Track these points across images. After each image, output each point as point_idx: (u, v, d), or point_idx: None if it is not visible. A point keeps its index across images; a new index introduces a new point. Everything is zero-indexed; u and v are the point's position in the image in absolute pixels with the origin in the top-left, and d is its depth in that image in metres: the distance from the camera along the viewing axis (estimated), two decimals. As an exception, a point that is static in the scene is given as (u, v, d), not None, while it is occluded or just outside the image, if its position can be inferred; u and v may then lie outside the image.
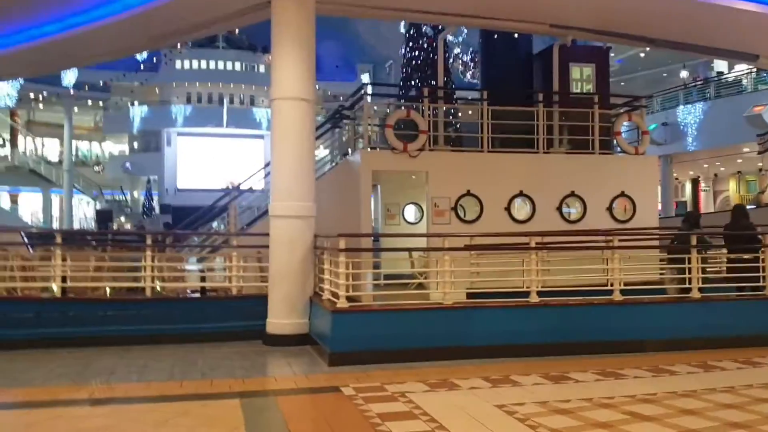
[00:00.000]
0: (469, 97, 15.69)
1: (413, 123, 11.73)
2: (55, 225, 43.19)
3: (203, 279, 10.89)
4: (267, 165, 16.15)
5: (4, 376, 7.69)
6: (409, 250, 11.04)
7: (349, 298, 8.55)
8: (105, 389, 7.02)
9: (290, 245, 9.87)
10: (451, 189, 11.75)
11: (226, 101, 47.01)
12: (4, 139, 46.70)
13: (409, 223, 14.83)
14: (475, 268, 9.88)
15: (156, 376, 7.67)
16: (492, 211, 11.80)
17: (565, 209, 11.99)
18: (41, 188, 44.84)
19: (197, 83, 47.31)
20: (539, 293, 8.97)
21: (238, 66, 48.17)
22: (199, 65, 47.73)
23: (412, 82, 19.16)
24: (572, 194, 11.99)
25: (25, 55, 13.74)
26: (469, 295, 9.34)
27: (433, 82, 17.58)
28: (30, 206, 45.57)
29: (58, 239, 10.03)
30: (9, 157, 44.38)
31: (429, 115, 12.05)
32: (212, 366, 8.32)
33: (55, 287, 9.84)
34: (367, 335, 8.33)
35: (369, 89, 12.50)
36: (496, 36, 13.52)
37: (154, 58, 46.55)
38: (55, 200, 45.29)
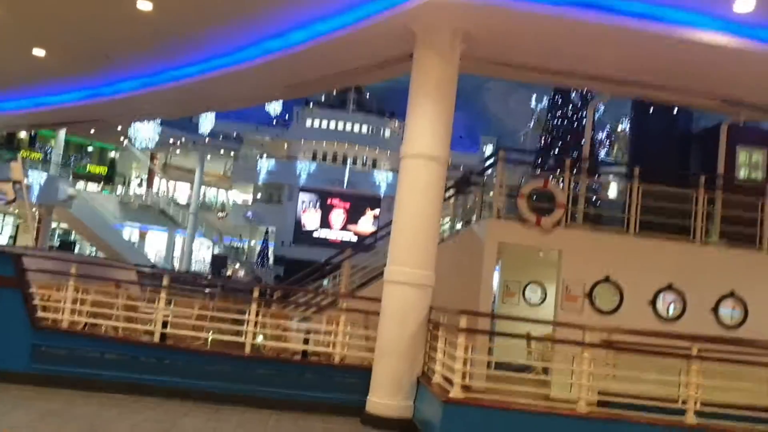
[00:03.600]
0: (614, 173, 14.40)
1: (550, 195, 10.68)
2: (176, 265, 44.77)
3: (306, 341, 10.10)
4: (385, 225, 15.51)
5: (89, 425, 7.11)
6: (548, 340, 9.70)
7: (464, 387, 7.42)
8: (184, 457, 6.25)
9: (403, 315, 8.90)
10: (587, 272, 10.50)
11: (349, 162, 47.65)
12: (141, 179, 49.65)
13: (529, 304, 13.54)
14: (611, 370, 8.48)
15: (241, 449, 6.82)
16: (633, 302, 10.39)
17: (722, 310, 10.32)
18: (168, 228, 46.95)
19: (324, 142, 48.37)
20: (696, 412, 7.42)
21: (365, 129, 48.89)
22: (328, 125, 48.87)
23: (551, 152, 18.13)
24: (731, 294, 10.33)
25: (167, 94, 14.04)
26: (601, 403, 7.91)
27: (575, 153, 16.48)
28: (155, 244, 47.69)
29: (165, 281, 9.61)
30: (143, 196, 47.01)
31: (569, 188, 10.95)
32: (304, 444, 7.40)
33: (156, 332, 9.35)
34: (483, 435, 7.13)
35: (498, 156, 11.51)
36: (651, 109, 12.27)
37: (287, 115, 48.39)
38: (179, 241, 47.13)
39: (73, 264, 9.51)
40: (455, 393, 7.28)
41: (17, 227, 45.25)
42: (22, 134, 43.01)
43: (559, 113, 19.34)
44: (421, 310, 8.91)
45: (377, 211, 45.40)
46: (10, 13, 10.59)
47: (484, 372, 8.75)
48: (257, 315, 9.58)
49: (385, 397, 8.69)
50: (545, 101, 38.24)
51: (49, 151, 41.94)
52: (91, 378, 8.73)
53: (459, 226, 13.33)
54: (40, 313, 9.01)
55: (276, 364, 9.54)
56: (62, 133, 41.25)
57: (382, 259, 12.64)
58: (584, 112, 17.87)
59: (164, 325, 9.42)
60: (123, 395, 8.56)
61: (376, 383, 8.87)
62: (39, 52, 12.32)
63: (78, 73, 13.77)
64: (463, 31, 9.13)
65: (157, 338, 9.34)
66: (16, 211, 40.09)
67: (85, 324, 9.80)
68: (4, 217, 42.63)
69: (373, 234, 14.89)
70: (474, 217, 12.34)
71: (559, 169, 11.34)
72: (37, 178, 36.46)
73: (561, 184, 11.23)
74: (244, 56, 11.68)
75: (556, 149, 18.44)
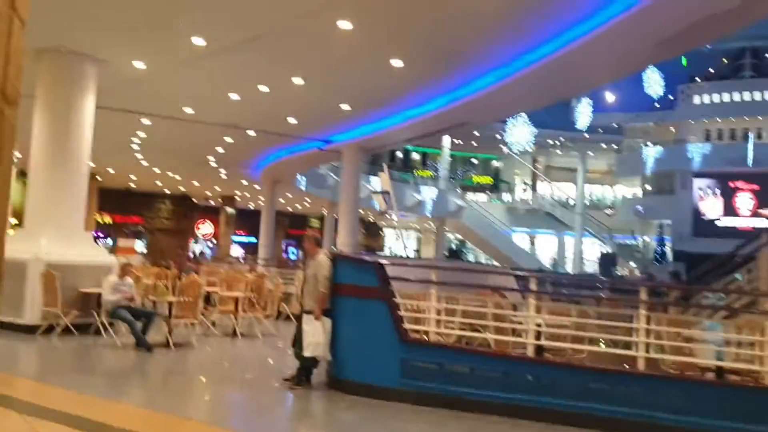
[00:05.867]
0: None
1: None
2: (568, 268, 43.82)
3: (719, 356, 7.79)
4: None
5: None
6: None
7: None
8: None
9: None
10: None
11: (751, 136, 40.60)
12: (526, 184, 50.18)
13: None
14: None
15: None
16: None
17: None
18: (555, 231, 46.35)
19: (718, 119, 42.16)
20: None
21: (767, 95, 41.13)
22: (721, 98, 42.39)
23: None
24: None
25: (526, 82, 13.02)
26: None
27: None
28: (546, 247, 47.54)
29: (533, 285, 8.38)
30: (529, 201, 47.40)
31: None
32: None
33: (528, 344, 8.16)
34: None
35: None
36: None
37: (670, 96, 43.53)
38: (569, 242, 46.11)
39: (435, 271, 8.91)
40: None
41: (419, 240, 49.75)
42: (415, 156, 47.17)
43: None
44: None
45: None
46: (362, 26, 10.69)
47: None
48: (648, 321, 7.68)
49: None
50: None
51: (438, 167, 45.08)
52: (462, 396, 7.90)
53: None
54: (406, 325, 8.57)
55: (681, 383, 7.46)
56: (447, 150, 43.99)
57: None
58: None
59: (537, 336, 8.17)
60: (497, 417, 7.54)
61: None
62: (397, 63, 12.40)
63: (435, 79, 13.63)
64: None
65: (530, 352, 8.14)
66: (413, 224, 43.96)
67: (461, 338, 9.15)
68: (406, 232, 47.18)
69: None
70: None
71: None
72: (429, 194, 39.35)
73: None
74: (605, 17, 9.93)
75: None
